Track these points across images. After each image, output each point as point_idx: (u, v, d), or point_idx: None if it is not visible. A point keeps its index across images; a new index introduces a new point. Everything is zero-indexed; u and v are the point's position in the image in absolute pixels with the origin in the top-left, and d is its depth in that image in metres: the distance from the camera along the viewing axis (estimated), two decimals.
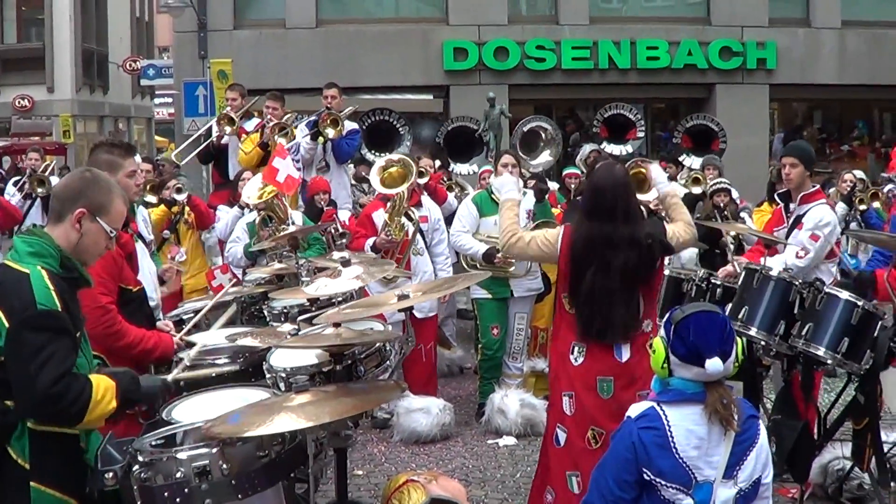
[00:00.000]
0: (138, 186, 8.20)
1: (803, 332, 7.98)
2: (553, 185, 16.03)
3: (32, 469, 5.00)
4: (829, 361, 7.94)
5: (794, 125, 29.95)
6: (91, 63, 46.36)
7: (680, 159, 19.13)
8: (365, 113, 18.53)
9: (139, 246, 8.41)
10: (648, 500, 5.07)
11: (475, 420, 11.83)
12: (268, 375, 6.68)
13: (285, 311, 8.83)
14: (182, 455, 5.16)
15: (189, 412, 6.00)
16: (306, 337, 6.54)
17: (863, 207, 15.28)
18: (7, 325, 4.87)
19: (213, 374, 6.88)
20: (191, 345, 7.05)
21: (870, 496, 8.58)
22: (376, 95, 24.24)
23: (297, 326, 6.76)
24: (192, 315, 8.17)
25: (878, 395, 8.33)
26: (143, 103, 53.22)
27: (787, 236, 9.57)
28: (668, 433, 5.00)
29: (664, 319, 5.27)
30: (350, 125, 15.15)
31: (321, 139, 14.61)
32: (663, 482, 4.99)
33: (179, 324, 8.12)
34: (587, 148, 18.75)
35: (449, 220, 12.50)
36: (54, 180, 16.00)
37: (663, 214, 13.33)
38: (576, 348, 7.71)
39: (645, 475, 5.01)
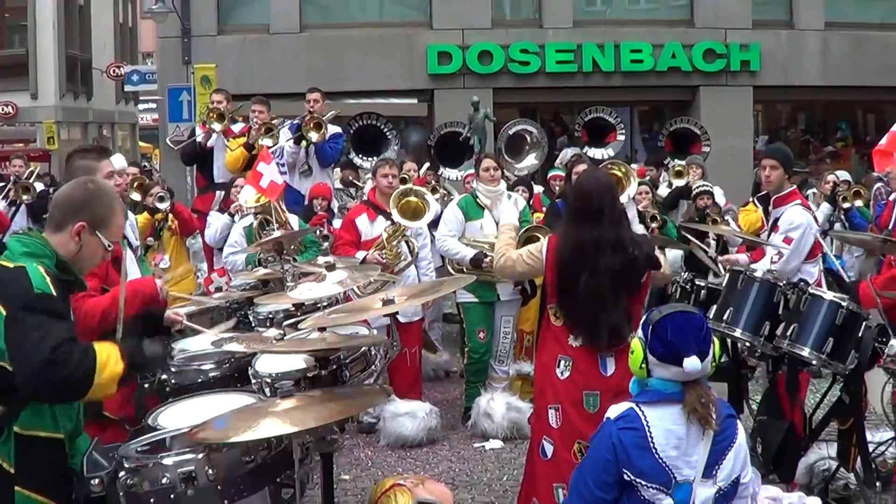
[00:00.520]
0: (119, 188, 8.18)
1: (788, 333, 8.00)
2: (538, 188, 16.09)
3: (17, 473, 4.98)
4: (813, 362, 7.95)
5: (778, 127, 30.02)
6: (75, 69, 46.24)
7: (665, 162, 19.19)
8: (352, 117, 18.59)
9: (128, 253, 8.40)
10: (628, 500, 5.08)
11: (461, 424, 11.83)
12: (253, 381, 6.69)
13: (271, 316, 8.84)
14: (168, 461, 5.16)
15: (175, 418, 6.00)
16: (292, 342, 6.54)
17: (846, 206, 15.33)
18: (5, 312, 4.85)
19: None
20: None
21: (855, 496, 8.60)
22: (361, 100, 24.23)
23: (282, 331, 6.76)
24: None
25: (863, 395, 8.36)
26: (127, 109, 53.08)
27: (768, 238, 9.62)
28: (648, 433, 5.02)
29: (642, 320, 5.29)
30: (333, 129, 15.14)
31: (304, 143, 14.59)
32: (643, 482, 5.01)
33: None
34: (568, 151, 18.80)
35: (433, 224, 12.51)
36: (39, 186, 16.02)
37: (649, 220, 13.51)
38: (562, 362, 7.70)
39: (625, 476, 5.02)
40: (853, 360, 7.90)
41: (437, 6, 25.39)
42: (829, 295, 8.09)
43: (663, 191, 17.15)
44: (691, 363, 4.99)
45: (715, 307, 8.58)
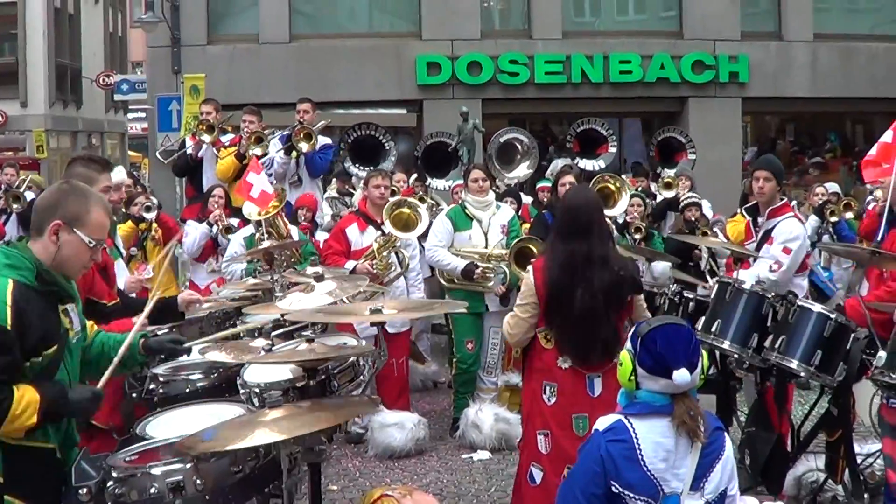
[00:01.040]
0: (114, 202, 8.19)
1: (776, 345, 8.02)
2: (526, 199, 16.10)
3: (7, 482, 4.99)
4: (802, 374, 7.97)
5: (767, 138, 30.04)
6: (64, 78, 46.25)
7: (658, 172, 19.21)
8: (350, 127, 18.58)
9: (119, 263, 8.40)
10: None
11: (449, 435, 11.84)
12: (242, 391, 6.69)
13: (259, 326, 8.82)
14: (156, 470, 5.18)
15: (163, 428, 6.00)
16: (280, 352, 6.54)
17: (834, 220, 15.33)
18: None
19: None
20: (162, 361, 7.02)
21: None
22: (350, 110, 24.24)
23: (270, 342, 6.76)
24: (165, 330, 8.15)
25: (851, 407, 8.38)
26: (116, 118, 53.08)
27: (757, 250, 9.63)
28: (636, 446, 5.01)
29: (630, 332, 5.29)
30: (323, 140, 15.13)
31: (294, 153, 14.57)
32: (632, 495, 5.00)
33: None
34: (559, 162, 18.82)
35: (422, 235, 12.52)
36: (29, 195, 16.01)
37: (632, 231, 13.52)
38: (547, 388, 7.72)
39: (613, 488, 5.01)
40: (841, 372, 7.93)
41: (426, 17, 25.38)
42: (818, 307, 8.12)
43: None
44: (680, 375, 4.99)
45: (703, 319, 8.59)
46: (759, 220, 9.87)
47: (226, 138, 15.23)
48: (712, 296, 8.77)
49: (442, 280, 12.05)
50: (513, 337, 7.95)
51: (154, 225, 13.94)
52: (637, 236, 13.68)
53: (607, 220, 8.56)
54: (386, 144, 18.20)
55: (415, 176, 16.97)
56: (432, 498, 7.96)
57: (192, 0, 24.85)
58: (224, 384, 7.23)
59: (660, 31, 26.79)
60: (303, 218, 13.36)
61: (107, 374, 5.57)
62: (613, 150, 20.14)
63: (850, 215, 15.57)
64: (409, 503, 7.18)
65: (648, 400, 5.11)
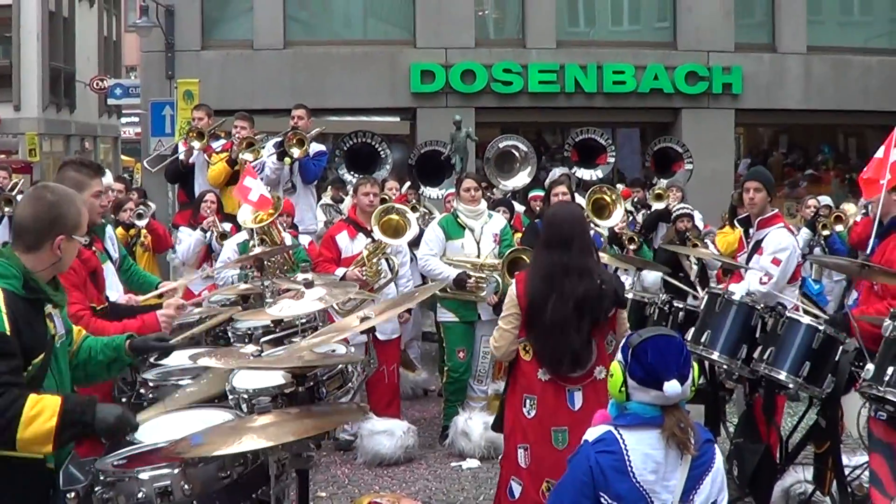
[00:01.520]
0: (103, 207, 8.19)
1: (765, 357, 8.03)
2: (519, 208, 16.11)
3: None
4: (790, 385, 7.98)
5: (760, 150, 30.09)
6: (58, 81, 46.20)
7: (654, 182, 19.22)
8: (346, 135, 18.55)
9: (107, 265, 8.40)
10: None
11: (439, 442, 11.85)
12: (230, 397, 6.68)
13: (249, 332, 8.83)
14: (144, 475, 5.17)
15: (152, 432, 5.99)
16: (269, 359, 6.54)
17: (826, 233, 15.35)
18: None
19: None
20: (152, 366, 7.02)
21: None
22: (343, 117, 24.28)
23: (260, 348, 6.75)
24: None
25: (839, 419, 8.39)
26: (110, 122, 53.03)
27: (748, 261, 9.65)
28: (626, 457, 5.01)
29: (622, 343, 5.30)
30: (317, 147, 15.10)
31: (287, 160, 14.55)
32: None
33: None
34: (556, 171, 18.82)
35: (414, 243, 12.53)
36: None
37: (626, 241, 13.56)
38: (527, 401, 7.74)
39: (602, 499, 5.00)
40: (830, 383, 7.94)
41: (420, 25, 25.42)
42: (807, 319, 8.13)
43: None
44: (671, 387, 4.99)
45: (693, 329, 8.60)
46: (751, 231, 9.90)
47: (217, 144, 15.21)
48: (702, 306, 8.79)
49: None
50: (498, 350, 7.96)
51: (143, 231, 13.95)
52: (632, 247, 13.74)
53: (591, 233, 8.60)
54: (382, 152, 18.17)
55: (408, 184, 16.98)
56: None
57: (187, 5, 24.89)
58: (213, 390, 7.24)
59: (654, 41, 26.87)
60: (283, 225, 13.33)
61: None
62: (612, 160, 20.14)
63: (840, 228, 15.58)
64: None
65: (639, 411, 5.10)
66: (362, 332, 7.02)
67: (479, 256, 11.67)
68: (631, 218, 16.44)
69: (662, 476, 5.03)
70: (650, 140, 22.07)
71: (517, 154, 18.48)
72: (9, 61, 43.78)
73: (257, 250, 11.01)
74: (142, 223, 13.78)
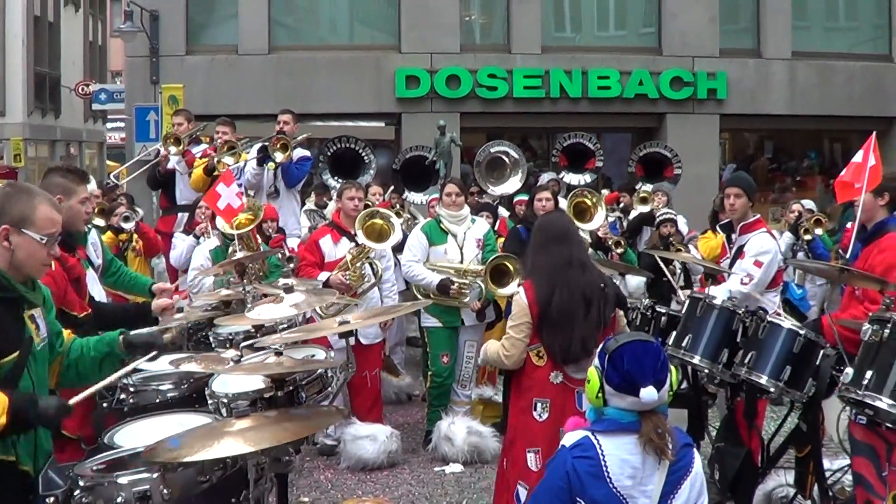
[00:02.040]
0: (88, 214, 8.19)
1: (746, 361, 8.04)
2: (504, 213, 16.12)
3: None
4: (771, 390, 7.99)
5: (745, 155, 30.12)
6: (43, 87, 46.14)
7: (637, 187, 19.25)
8: (330, 140, 18.56)
9: (89, 273, 8.38)
10: None
11: (422, 447, 11.84)
12: (210, 401, 6.68)
13: (230, 337, 8.83)
14: (123, 480, 5.18)
15: (131, 437, 5.99)
16: (249, 363, 6.54)
17: (808, 237, 15.39)
18: None
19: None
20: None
21: None
22: (328, 122, 24.22)
23: (240, 353, 6.76)
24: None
25: (820, 423, 8.40)
26: (95, 127, 52.97)
27: (731, 266, 9.67)
28: (603, 462, 5.01)
29: (598, 349, 5.30)
30: (301, 152, 15.10)
31: (271, 165, 14.53)
32: None
33: None
34: (545, 176, 18.86)
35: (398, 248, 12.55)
36: None
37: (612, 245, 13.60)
38: (538, 405, 7.83)
39: None
40: (811, 388, 7.95)
41: (405, 30, 25.40)
42: (787, 323, 8.15)
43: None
44: (647, 393, 4.99)
45: (674, 334, 8.61)
46: (733, 236, 9.92)
47: (198, 149, 15.21)
48: (683, 311, 8.80)
49: (418, 294, 12.05)
50: (510, 358, 7.97)
51: (135, 236, 13.93)
52: (618, 250, 13.78)
53: (582, 234, 8.67)
54: (366, 157, 18.19)
55: (392, 189, 16.99)
56: None
57: (172, 10, 24.81)
58: (194, 394, 7.25)
59: (639, 47, 26.86)
60: (270, 230, 13.31)
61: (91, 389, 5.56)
62: (601, 164, 20.16)
63: (819, 231, 15.60)
64: None
65: (616, 417, 5.11)
66: (343, 336, 6.98)
67: (461, 262, 11.67)
68: (617, 222, 16.49)
69: (640, 481, 5.03)
70: (634, 145, 22.12)
71: (507, 160, 18.48)
72: None
73: (239, 255, 11.01)
74: (128, 226, 13.76)
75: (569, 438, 5.20)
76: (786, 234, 15.41)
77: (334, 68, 24.93)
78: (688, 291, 9.74)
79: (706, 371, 8.46)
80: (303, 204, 16.41)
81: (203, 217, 13.57)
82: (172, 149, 15.06)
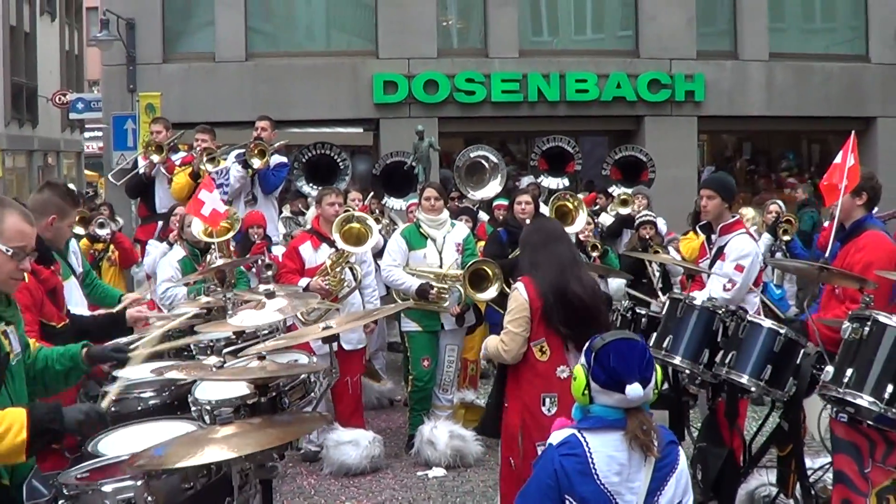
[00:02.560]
0: (69, 227, 8.20)
1: (727, 361, 8.04)
2: (484, 217, 16.12)
3: None
4: (752, 389, 8.00)
5: (724, 157, 30.23)
6: (20, 97, 45.90)
7: (610, 190, 19.30)
8: (306, 147, 18.55)
9: (70, 280, 8.36)
10: None
11: (405, 452, 11.85)
12: (193, 408, 6.67)
13: (212, 344, 8.81)
14: (107, 488, 5.18)
15: (115, 445, 5.98)
16: (231, 370, 6.53)
17: (787, 238, 15.43)
18: None
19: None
20: (115, 379, 6.98)
21: None
22: (306, 129, 24.19)
23: (222, 359, 6.74)
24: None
25: (801, 422, 8.42)
26: (72, 137, 52.74)
27: (711, 267, 9.68)
28: (590, 460, 5.04)
29: (585, 347, 5.32)
30: (279, 159, 15.07)
31: (249, 171, 14.51)
32: None
33: None
34: (525, 180, 18.89)
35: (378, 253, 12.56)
36: None
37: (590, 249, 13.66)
38: (546, 399, 7.90)
39: (567, 502, 5.02)
40: (791, 387, 7.97)
41: (382, 35, 25.42)
42: (768, 322, 8.16)
43: (606, 219, 17.27)
44: (633, 390, 5.02)
45: (655, 335, 8.62)
46: (713, 237, 9.94)
47: (177, 157, 15.20)
48: (664, 312, 8.81)
49: (398, 299, 12.06)
50: (509, 353, 8.05)
51: (111, 247, 13.90)
52: (594, 254, 13.80)
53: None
54: (341, 164, 18.19)
55: (371, 194, 16.98)
56: None
57: (148, 18, 24.79)
58: (176, 402, 7.24)
59: (616, 50, 26.94)
60: (255, 237, 13.28)
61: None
62: (580, 167, 20.19)
63: (787, 238, 15.63)
64: None
65: (602, 414, 5.14)
66: (327, 342, 6.98)
67: (441, 266, 11.67)
68: (598, 226, 16.53)
69: (626, 478, 5.06)
70: (611, 148, 22.16)
71: (487, 165, 18.49)
72: None
73: (219, 262, 10.99)
74: (103, 232, 13.73)
75: (555, 437, 5.22)
76: (765, 234, 15.44)
77: (312, 74, 24.95)
78: (667, 294, 9.74)
79: (687, 372, 8.46)
80: (280, 211, 16.39)
81: (176, 225, 13.53)
82: (155, 157, 15.03)
